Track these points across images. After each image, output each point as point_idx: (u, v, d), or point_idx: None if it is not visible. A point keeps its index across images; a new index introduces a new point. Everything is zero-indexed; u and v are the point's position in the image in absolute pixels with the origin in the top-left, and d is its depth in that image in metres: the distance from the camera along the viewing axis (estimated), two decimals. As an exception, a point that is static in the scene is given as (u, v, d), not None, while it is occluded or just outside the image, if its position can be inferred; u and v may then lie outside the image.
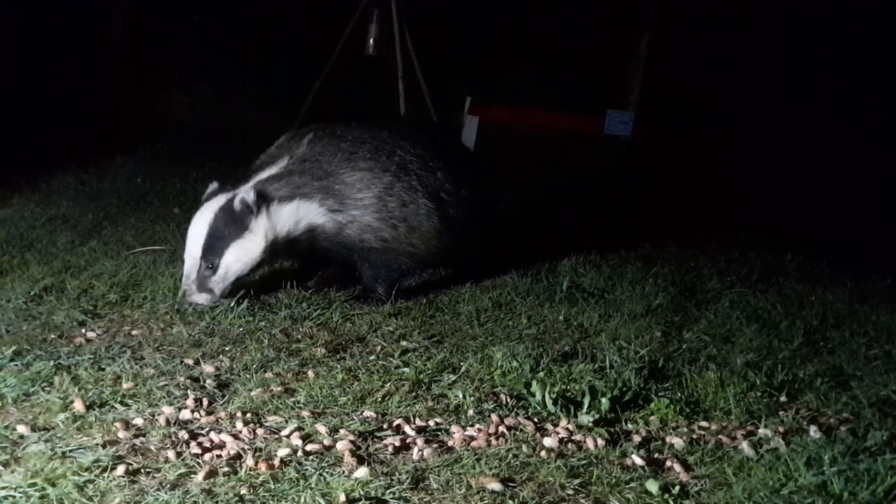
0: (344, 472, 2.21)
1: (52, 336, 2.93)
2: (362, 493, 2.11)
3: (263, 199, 3.35)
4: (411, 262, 3.62)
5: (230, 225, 3.33)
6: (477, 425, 2.52)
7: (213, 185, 3.52)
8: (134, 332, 3.04)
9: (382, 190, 3.50)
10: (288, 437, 2.36)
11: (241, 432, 2.37)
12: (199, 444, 2.29)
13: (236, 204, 3.33)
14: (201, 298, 3.33)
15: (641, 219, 5.61)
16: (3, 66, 5.70)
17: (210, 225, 3.34)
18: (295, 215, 3.41)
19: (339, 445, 2.32)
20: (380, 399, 2.65)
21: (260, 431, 2.38)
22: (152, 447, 2.27)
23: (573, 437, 2.49)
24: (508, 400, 2.69)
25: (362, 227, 3.48)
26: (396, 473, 2.22)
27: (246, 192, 3.34)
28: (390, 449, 2.35)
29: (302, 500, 2.07)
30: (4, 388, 2.50)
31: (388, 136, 3.65)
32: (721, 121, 7.57)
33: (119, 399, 2.50)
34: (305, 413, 2.51)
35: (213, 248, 3.33)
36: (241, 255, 3.36)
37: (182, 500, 2.03)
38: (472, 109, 7.33)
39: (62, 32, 6.51)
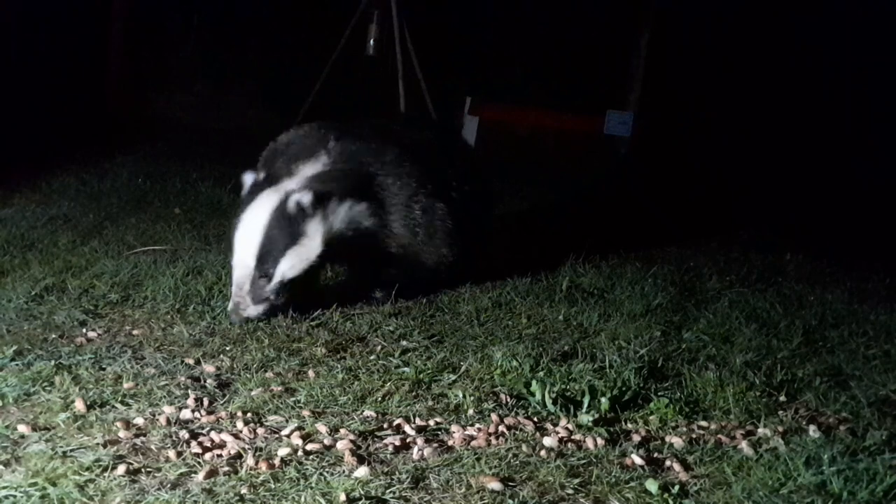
0: (344, 471, 2.22)
1: (53, 336, 2.93)
2: (362, 492, 2.11)
3: (320, 200, 3.14)
4: (422, 269, 3.59)
5: (285, 229, 3.12)
6: (477, 425, 2.52)
7: (251, 176, 3.28)
8: (135, 332, 3.04)
9: (409, 196, 3.43)
10: (288, 436, 2.36)
11: (241, 432, 2.37)
12: (200, 444, 2.29)
13: (291, 206, 3.12)
14: (257, 310, 3.16)
15: (641, 219, 5.61)
16: (3, 66, 5.70)
17: (264, 231, 3.12)
18: (347, 216, 3.24)
19: (340, 445, 2.33)
20: (380, 399, 2.65)
21: (260, 431, 2.38)
22: (153, 447, 2.27)
23: (573, 437, 2.49)
24: (508, 399, 2.70)
25: (389, 232, 3.42)
26: (396, 473, 2.22)
27: (302, 194, 3.12)
28: (390, 448, 2.35)
29: (302, 499, 2.07)
30: (5, 387, 2.50)
31: (407, 138, 3.60)
32: (721, 121, 7.58)
33: (120, 399, 2.51)
34: (306, 412, 2.51)
35: (268, 255, 3.13)
36: (297, 262, 3.16)
37: (183, 499, 2.04)
38: (472, 109, 7.35)
39: (62, 32, 6.52)
